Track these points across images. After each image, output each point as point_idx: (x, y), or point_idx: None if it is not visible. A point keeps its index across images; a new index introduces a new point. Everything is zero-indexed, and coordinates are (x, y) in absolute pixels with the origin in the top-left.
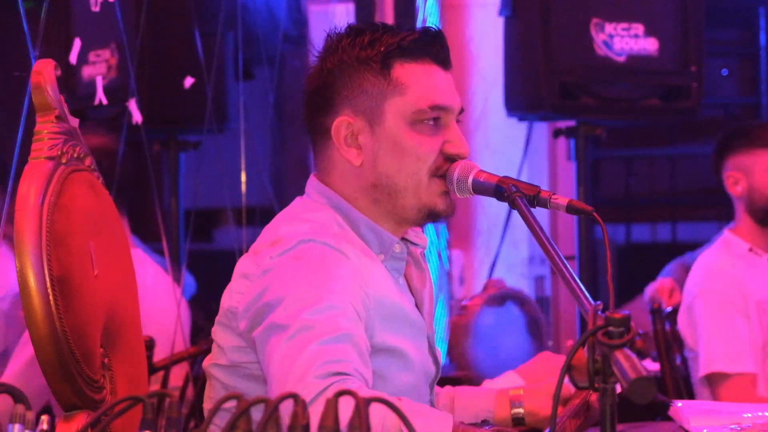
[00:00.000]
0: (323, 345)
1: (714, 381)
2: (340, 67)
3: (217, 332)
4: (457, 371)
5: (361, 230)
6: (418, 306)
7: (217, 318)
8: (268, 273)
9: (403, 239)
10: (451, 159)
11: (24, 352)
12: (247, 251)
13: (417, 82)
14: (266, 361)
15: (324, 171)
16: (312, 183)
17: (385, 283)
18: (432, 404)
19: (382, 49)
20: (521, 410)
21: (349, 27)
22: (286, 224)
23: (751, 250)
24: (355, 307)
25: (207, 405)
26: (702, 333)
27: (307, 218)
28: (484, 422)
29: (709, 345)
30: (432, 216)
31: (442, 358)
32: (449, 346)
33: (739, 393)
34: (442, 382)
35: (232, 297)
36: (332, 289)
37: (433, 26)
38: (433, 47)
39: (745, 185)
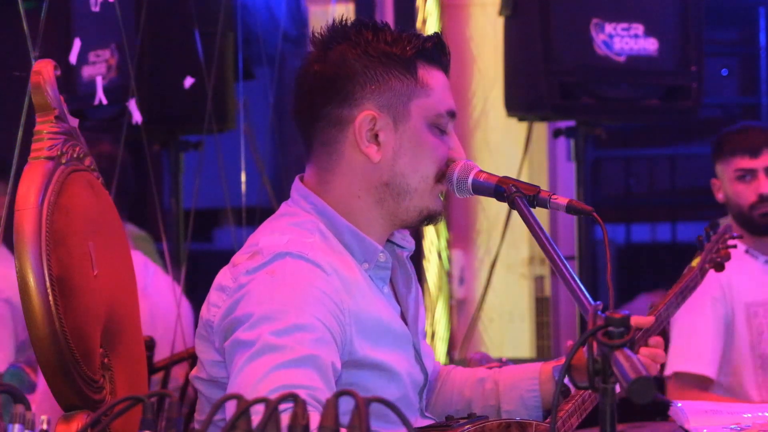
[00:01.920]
0: (281, 368)
1: (671, 378)
2: (364, 61)
3: (198, 345)
4: None
5: (344, 238)
6: (403, 313)
7: (197, 330)
8: (241, 288)
9: (389, 241)
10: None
11: None
12: None
13: (437, 86)
14: (230, 376)
15: (324, 164)
16: (297, 188)
17: (366, 296)
18: (422, 412)
19: (408, 48)
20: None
21: (362, 21)
22: (267, 234)
23: (747, 251)
24: (327, 325)
25: (198, 416)
26: (674, 329)
27: (288, 228)
28: (471, 415)
29: (677, 342)
30: (429, 219)
31: (446, 360)
32: None
33: (686, 392)
34: None
35: (210, 309)
36: (301, 308)
37: (438, 33)
38: (444, 55)
39: (723, 193)
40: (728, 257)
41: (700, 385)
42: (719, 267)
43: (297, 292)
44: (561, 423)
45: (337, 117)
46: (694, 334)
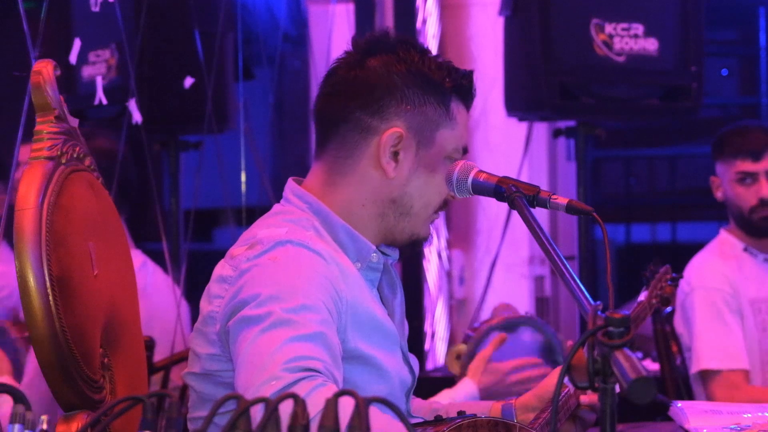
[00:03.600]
0: (296, 341)
1: (706, 378)
2: (406, 79)
3: (194, 339)
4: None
5: (339, 236)
6: (390, 315)
7: (195, 325)
8: (245, 274)
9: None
10: (448, 200)
11: (33, 363)
12: None
13: (461, 122)
14: (236, 351)
15: (338, 166)
16: (292, 188)
17: (360, 290)
18: (409, 413)
19: (448, 80)
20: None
21: (409, 40)
22: (263, 228)
23: (746, 249)
24: (328, 309)
25: (190, 414)
26: (694, 330)
27: (284, 222)
28: (460, 413)
29: (701, 342)
30: (416, 244)
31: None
32: (457, 374)
33: (731, 389)
34: (445, 383)
35: (212, 302)
36: (307, 290)
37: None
38: (472, 95)
39: (722, 192)
40: (673, 294)
41: (741, 379)
42: (665, 302)
43: (301, 275)
44: (540, 429)
45: (365, 124)
46: (719, 332)
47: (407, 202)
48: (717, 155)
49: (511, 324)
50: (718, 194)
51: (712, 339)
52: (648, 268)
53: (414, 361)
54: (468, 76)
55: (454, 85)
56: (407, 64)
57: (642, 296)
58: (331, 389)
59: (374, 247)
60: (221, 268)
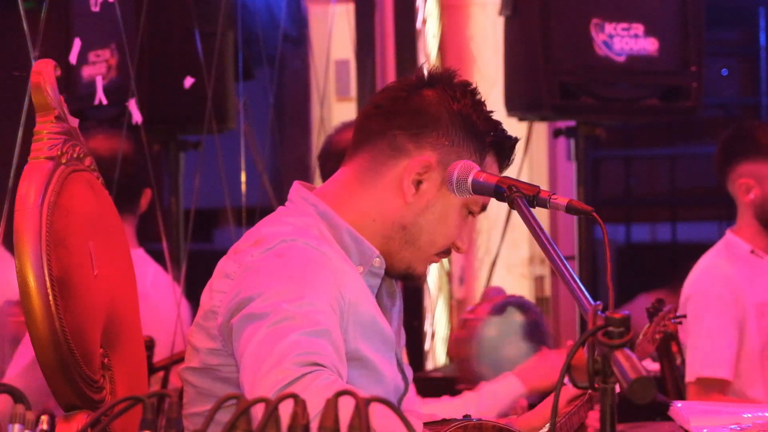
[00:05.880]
0: (303, 336)
1: (692, 384)
2: (454, 118)
3: (193, 334)
4: (464, 385)
5: (343, 239)
6: (388, 322)
7: (195, 320)
8: (249, 270)
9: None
10: (451, 249)
11: (25, 353)
12: None
13: None
14: (241, 346)
15: (364, 177)
16: (298, 190)
17: (361, 293)
18: None
19: (492, 134)
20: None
21: (469, 86)
22: (268, 226)
23: (752, 251)
24: (332, 306)
25: (186, 410)
26: (690, 335)
27: (288, 222)
28: (466, 416)
29: (694, 348)
30: (409, 278)
31: (446, 360)
32: (455, 362)
33: (701, 395)
34: (445, 383)
35: (214, 297)
36: (312, 287)
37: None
38: (509, 160)
39: (759, 193)
40: (676, 331)
41: (720, 389)
42: (670, 338)
43: (305, 272)
44: None
45: (400, 144)
46: (708, 338)
47: (416, 232)
48: (749, 155)
49: (500, 307)
50: (750, 196)
51: (703, 346)
52: (652, 304)
53: (408, 370)
54: (513, 141)
55: (496, 141)
56: (459, 105)
57: (647, 330)
58: (336, 383)
59: (377, 252)
60: (224, 264)
